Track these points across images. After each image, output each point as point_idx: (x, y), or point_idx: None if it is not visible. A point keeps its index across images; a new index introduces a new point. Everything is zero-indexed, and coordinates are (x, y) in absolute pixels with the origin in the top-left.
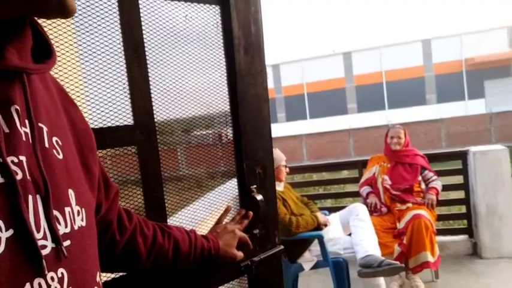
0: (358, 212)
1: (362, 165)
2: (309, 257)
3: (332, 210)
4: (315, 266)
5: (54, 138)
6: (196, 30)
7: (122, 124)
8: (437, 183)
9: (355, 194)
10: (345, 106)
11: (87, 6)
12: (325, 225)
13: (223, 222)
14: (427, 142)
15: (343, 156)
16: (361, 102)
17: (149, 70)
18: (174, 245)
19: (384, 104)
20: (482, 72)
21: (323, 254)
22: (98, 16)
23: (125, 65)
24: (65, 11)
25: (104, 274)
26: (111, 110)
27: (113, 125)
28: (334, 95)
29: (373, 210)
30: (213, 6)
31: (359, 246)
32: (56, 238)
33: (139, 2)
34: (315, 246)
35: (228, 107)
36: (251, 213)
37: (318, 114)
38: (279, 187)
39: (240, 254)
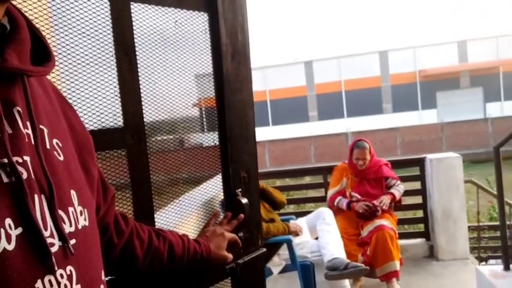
0: (324, 216)
1: (327, 171)
2: (278, 261)
3: (296, 215)
4: (283, 270)
5: (55, 140)
6: (185, 35)
7: (112, 127)
8: (398, 188)
9: (318, 199)
10: (307, 113)
11: (79, 8)
12: (297, 234)
13: (211, 226)
14: (384, 150)
15: (304, 163)
16: (322, 110)
17: (139, 73)
18: (169, 248)
19: (343, 112)
20: (435, 83)
21: (291, 257)
22: (89, 19)
23: (115, 68)
24: None
25: None
26: (102, 113)
27: (103, 128)
28: (296, 103)
29: (373, 212)
30: (202, 13)
31: (326, 249)
32: (63, 236)
33: (131, 6)
34: (283, 251)
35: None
36: (242, 215)
37: (281, 121)
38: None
39: (230, 256)
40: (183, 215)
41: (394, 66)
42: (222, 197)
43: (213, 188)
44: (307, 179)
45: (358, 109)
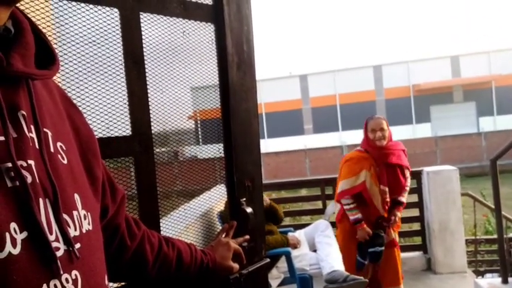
0: (323, 229)
1: (324, 183)
2: (276, 274)
3: (293, 227)
4: (282, 283)
5: (59, 144)
6: (193, 45)
7: (120, 135)
8: (405, 195)
9: (314, 212)
10: (302, 127)
11: (90, 17)
12: (296, 247)
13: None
14: None
15: (299, 176)
16: (317, 123)
17: (148, 82)
18: (178, 255)
19: (337, 126)
20: (428, 97)
21: (290, 270)
22: (99, 28)
23: (124, 76)
24: None
25: None
26: (111, 121)
27: (112, 136)
28: (291, 116)
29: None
30: (209, 24)
31: (325, 262)
32: (68, 240)
33: (141, 16)
34: (282, 263)
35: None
36: (234, 222)
37: (276, 134)
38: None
39: (235, 266)
40: (182, 226)
41: (388, 81)
42: (220, 209)
43: (210, 199)
44: (302, 192)
45: (352, 122)
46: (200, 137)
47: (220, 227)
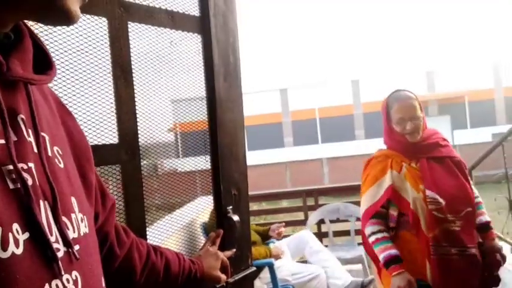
0: (309, 242)
1: (306, 194)
2: (260, 285)
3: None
4: None
5: (55, 148)
6: (180, 55)
7: (107, 143)
8: (484, 210)
9: (296, 223)
10: (282, 139)
11: (78, 25)
12: (279, 258)
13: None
14: (357, 176)
15: (280, 188)
16: (297, 136)
17: (135, 90)
18: (166, 264)
19: (317, 139)
20: None
21: (273, 281)
22: (88, 36)
23: (112, 84)
24: (68, 17)
25: None
26: (98, 128)
27: (99, 143)
28: (271, 129)
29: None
30: (196, 34)
31: (335, 278)
32: (67, 242)
33: (129, 25)
34: (264, 274)
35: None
36: (221, 231)
37: (256, 146)
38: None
39: (223, 277)
40: (165, 236)
41: (366, 95)
42: (203, 220)
43: (194, 210)
44: (284, 204)
45: (331, 135)
46: (180, 149)
47: (203, 238)
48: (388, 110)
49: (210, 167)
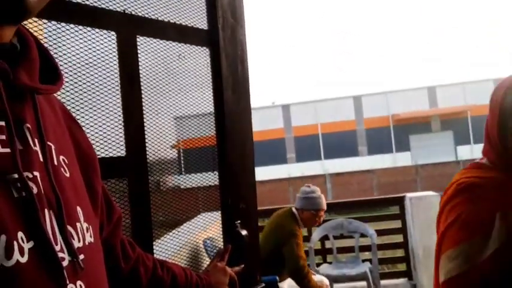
0: None
1: None
2: None
3: None
4: None
5: (61, 157)
6: (188, 69)
7: (114, 155)
8: None
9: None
10: (285, 155)
11: (88, 39)
12: None
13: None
14: (360, 191)
15: (283, 204)
16: (300, 152)
17: (143, 103)
18: (172, 279)
19: (320, 154)
20: (407, 127)
21: None
22: (97, 50)
23: (120, 98)
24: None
25: None
26: (105, 141)
27: (106, 156)
28: (274, 145)
29: None
30: (204, 48)
31: None
32: (72, 251)
33: (137, 39)
34: None
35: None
36: (229, 246)
37: (259, 163)
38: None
39: None
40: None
41: (368, 111)
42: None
43: (195, 228)
44: None
45: (334, 151)
46: (182, 166)
47: (206, 255)
48: (504, 111)
49: (213, 183)
